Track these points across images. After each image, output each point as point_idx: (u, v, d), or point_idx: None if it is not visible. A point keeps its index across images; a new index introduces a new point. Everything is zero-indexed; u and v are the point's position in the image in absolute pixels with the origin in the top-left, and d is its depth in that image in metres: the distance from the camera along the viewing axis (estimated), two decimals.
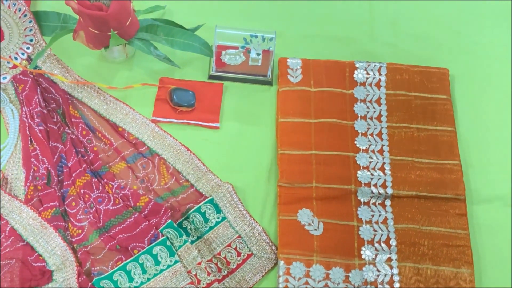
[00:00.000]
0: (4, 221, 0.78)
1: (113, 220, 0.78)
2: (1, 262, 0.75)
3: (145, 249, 0.76)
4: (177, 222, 0.78)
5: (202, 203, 0.80)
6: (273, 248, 0.79)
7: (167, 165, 0.83)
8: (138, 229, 0.77)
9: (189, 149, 0.84)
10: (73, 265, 0.75)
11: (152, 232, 0.77)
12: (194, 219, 0.79)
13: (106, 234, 0.78)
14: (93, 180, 0.81)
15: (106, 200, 0.80)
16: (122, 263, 0.75)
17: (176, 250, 0.76)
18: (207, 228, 0.79)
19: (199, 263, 0.76)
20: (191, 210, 0.79)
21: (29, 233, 0.77)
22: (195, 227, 0.79)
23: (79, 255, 0.77)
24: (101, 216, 0.79)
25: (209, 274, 0.76)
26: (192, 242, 0.78)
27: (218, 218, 0.80)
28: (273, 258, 0.79)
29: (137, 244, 0.77)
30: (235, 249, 0.78)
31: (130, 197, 0.81)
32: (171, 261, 0.75)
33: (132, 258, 0.75)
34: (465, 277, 0.78)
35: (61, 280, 0.75)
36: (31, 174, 0.81)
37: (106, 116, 0.86)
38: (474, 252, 0.81)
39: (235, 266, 0.77)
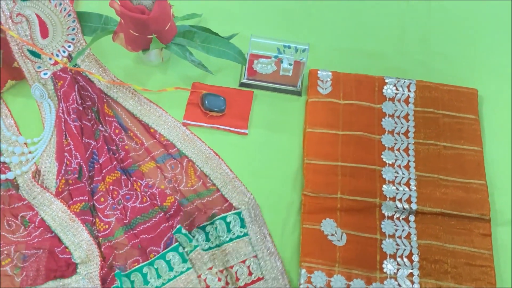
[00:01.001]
0: (35, 211, 0.80)
1: (139, 218, 0.79)
2: (29, 251, 0.76)
3: (159, 254, 0.76)
4: (201, 225, 0.79)
5: (229, 212, 0.80)
6: (285, 278, 0.78)
7: (195, 168, 0.85)
8: (159, 229, 0.78)
9: (217, 154, 0.85)
10: (97, 259, 0.76)
11: (167, 235, 0.77)
12: (218, 226, 0.79)
13: (131, 232, 0.79)
14: (122, 177, 0.82)
15: (134, 197, 0.81)
16: (139, 265, 0.76)
17: (188, 255, 0.77)
18: (227, 239, 0.79)
19: (210, 268, 0.76)
20: (218, 217, 0.80)
21: (57, 225, 0.78)
22: (217, 235, 0.79)
23: (103, 249, 0.78)
24: (128, 213, 0.80)
25: (219, 279, 0.75)
26: (210, 248, 0.78)
27: (240, 232, 0.80)
28: None
29: (154, 248, 0.77)
30: (248, 267, 0.77)
31: (158, 196, 0.82)
32: (183, 267, 0.76)
33: (148, 261, 0.76)
34: None
35: (84, 273, 0.76)
36: (64, 168, 0.82)
37: (140, 117, 0.88)
38: (497, 274, 0.79)
39: (243, 284, 0.76)
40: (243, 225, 0.80)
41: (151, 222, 0.79)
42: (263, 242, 0.79)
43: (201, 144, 0.86)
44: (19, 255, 0.76)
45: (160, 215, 0.79)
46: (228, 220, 0.80)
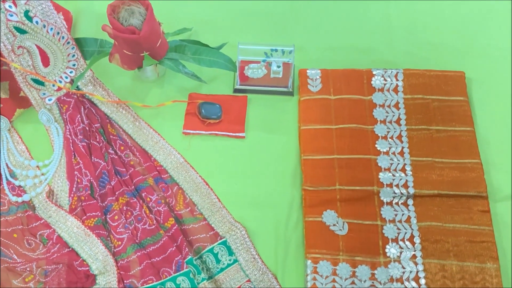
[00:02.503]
0: (52, 229, 0.84)
1: (149, 239, 0.83)
2: (50, 267, 0.81)
3: (171, 276, 0.80)
4: (188, 258, 0.81)
5: (215, 244, 0.83)
6: None
7: (184, 196, 0.87)
8: (167, 253, 0.81)
9: (207, 183, 0.88)
10: (114, 269, 0.80)
11: (176, 259, 0.81)
12: (207, 259, 0.82)
13: (143, 251, 0.82)
14: (131, 200, 0.86)
15: (145, 219, 0.84)
16: (152, 284, 0.79)
17: (198, 284, 0.79)
18: (218, 269, 0.82)
19: None
20: (204, 250, 0.83)
21: (74, 240, 0.83)
22: (207, 267, 0.82)
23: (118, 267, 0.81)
24: (139, 233, 0.83)
25: None
26: (203, 279, 0.80)
27: (230, 260, 0.82)
28: None
29: (166, 268, 0.81)
30: None
31: (162, 214, 0.85)
32: None
33: (159, 281, 0.79)
34: (491, 272, 0.79)
35: (103, 283, 0.80)
36: (75, 185, 0.87)
37: (139, 141, 0.92)
38: (498, 249, 0.81)
39: None
40: (231, 253, 0.82)
41: (159, 244, 0.82)
42: (253, 264, 0.82)
43: (193, 173, 0.89)
44: (40, 270, 0.81)
45: (165, 238, 0.82)
46: (215, 251, 0.83)
